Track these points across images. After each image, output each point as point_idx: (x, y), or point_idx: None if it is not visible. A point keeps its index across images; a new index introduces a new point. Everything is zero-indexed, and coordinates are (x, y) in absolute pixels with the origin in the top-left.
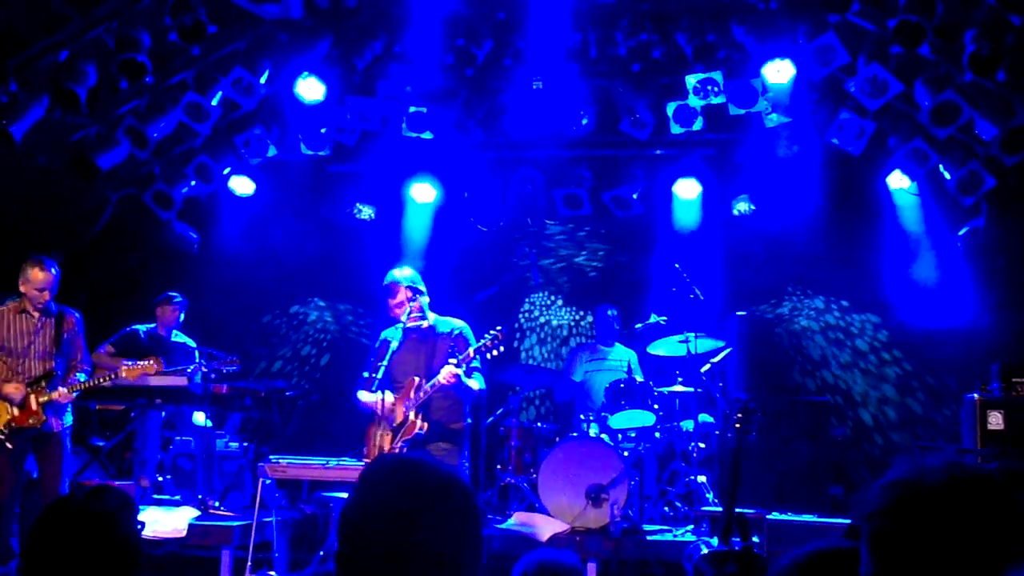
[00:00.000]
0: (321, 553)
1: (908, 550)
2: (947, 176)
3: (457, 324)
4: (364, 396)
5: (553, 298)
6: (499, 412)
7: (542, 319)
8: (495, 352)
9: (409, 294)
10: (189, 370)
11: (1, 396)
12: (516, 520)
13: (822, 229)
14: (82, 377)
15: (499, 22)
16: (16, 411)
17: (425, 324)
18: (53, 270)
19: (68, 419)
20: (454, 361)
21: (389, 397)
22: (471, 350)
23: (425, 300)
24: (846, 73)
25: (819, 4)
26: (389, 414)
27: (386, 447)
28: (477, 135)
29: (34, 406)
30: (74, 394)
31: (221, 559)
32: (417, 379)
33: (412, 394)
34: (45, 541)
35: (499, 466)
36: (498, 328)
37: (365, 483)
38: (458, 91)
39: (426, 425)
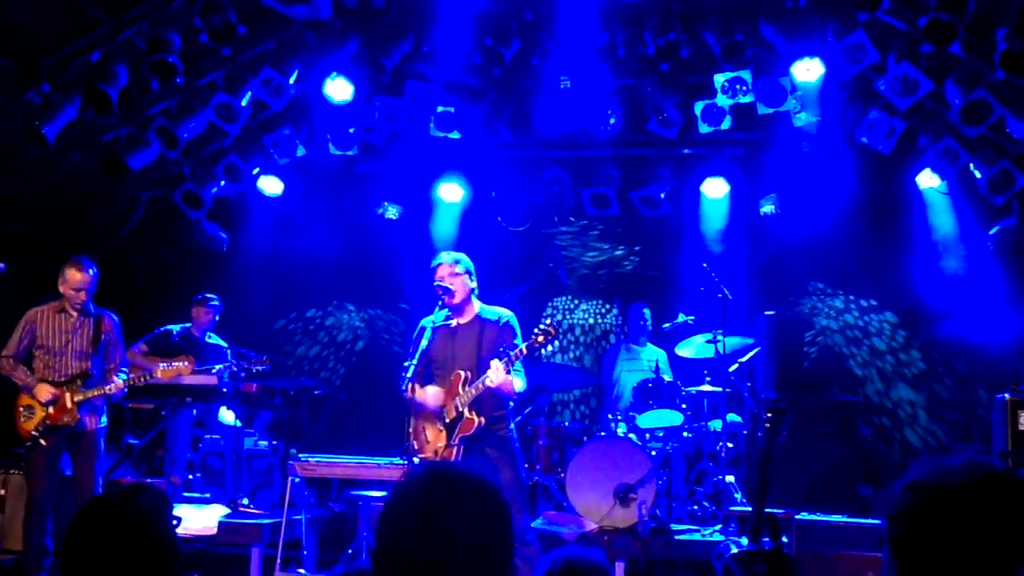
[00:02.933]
0: (350, 551)
1: (931, 551)
2: (978, 175)
3: (504, 313)
4: (417, 392)
5: (576, 302)
6: (527, 411)
7: (565, 323)
8: (549, 348)
9: (451, 269)
10: (215, 369)
11: (33, 394)
12: (544, 519)
13: (851, 229)
14: (122, 377)
15: (527, 21)
16: (51, 409)
17: (471, 313)
18: (91, 271)
19: (103, 420)
20: (501, 361)
21: (434, 392)
22: (523, 347)
23: (472, 283)
24: (876, 72)
25: (849, 2)
26: (438, 409)
27: (441, 444)
28: (505, 135)
29: (69, 404)
30: (124, 388)
31: (251, 557)
32: (463, 373)
33: (461, 389)
34: (82, 540)
35: (527, 465)
36: (548, 321)
37: (402, 489)
38: (486, 90)
39: (483, 420)
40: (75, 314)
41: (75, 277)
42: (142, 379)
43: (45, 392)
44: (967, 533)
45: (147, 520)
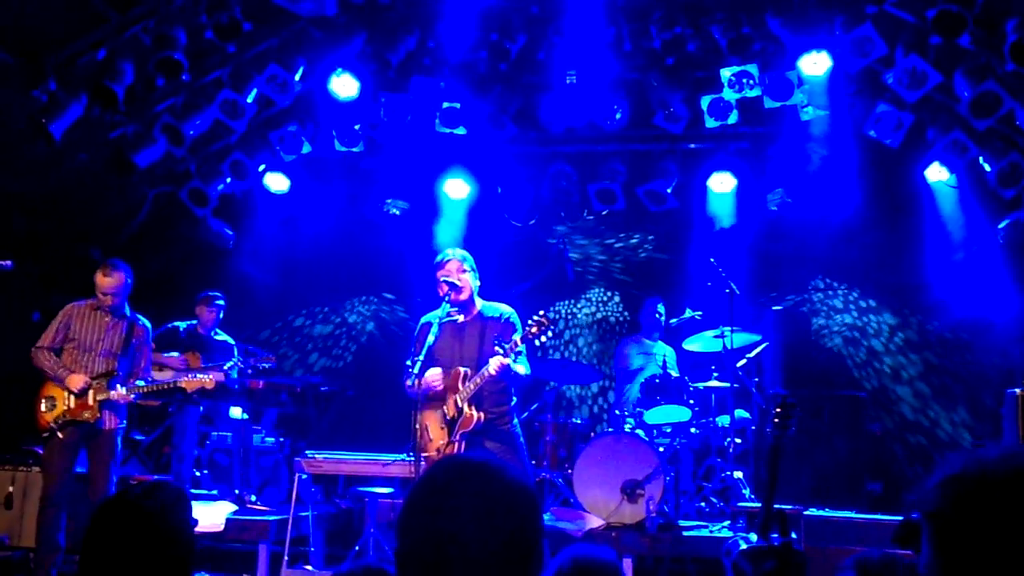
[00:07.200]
0: (357, 547)
1: (978, 544)
2: (987, 168)
3: (505, 310)
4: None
5: (580, 306)
6: (534, 407)
7: (567, 335)
8: (543, 338)
9: (459, 266)
10: (226, 367)
11: (64, 384)
12: (551, 515)
13: (859, 223)
14: (141, 383)
15: (533, 16)
16: (72, 404)
17: (474, 310)
18: (116, 275)
19: (123, 421)
20: (500, 351)
21: (435, 373)
22: (517, 338)
23: (477, 281)
24: (884, 65)
25: None
26: (442, 389)
27: (443, 441)
28: (510, 130)
29: (91, 401)
30: (132, 397)
31: (258, 553)
32: (464, 370)
33: (461, 385)
34: (102, 537)
35: (534, 461)
36: (541, 313)
37: (414, 487)
38: (491, 86)
39: (482, 415)
40: (109, 315)
41: (102, 281)
42: (166, 387)
43: (77, 381)
44: (1014, 524)
45: (167, 517)
